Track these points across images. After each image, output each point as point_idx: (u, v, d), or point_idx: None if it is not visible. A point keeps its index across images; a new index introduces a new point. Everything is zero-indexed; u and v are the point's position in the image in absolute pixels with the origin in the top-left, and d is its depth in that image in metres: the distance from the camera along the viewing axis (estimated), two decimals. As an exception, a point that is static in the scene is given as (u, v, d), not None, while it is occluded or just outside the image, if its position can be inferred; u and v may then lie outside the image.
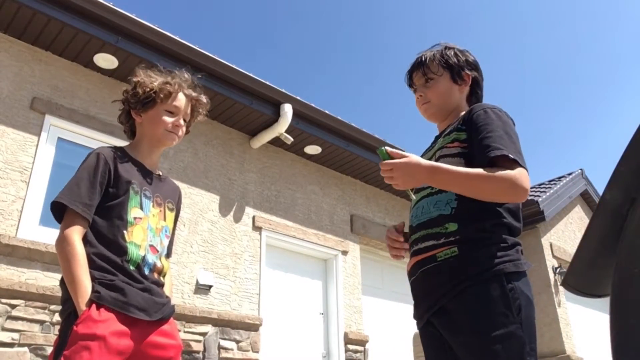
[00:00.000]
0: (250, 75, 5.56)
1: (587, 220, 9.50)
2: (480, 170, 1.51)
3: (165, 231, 1.84)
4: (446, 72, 1.76)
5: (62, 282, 1.62)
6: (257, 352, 5.33)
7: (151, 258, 1.73)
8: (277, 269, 6.13)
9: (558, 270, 8.56)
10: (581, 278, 1.62)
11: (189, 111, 1.94)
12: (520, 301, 1.43)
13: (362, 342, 6.37)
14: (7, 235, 4.07)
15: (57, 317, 4.03)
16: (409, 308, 7.13)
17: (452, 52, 1.78)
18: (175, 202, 1.95)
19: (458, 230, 1.52)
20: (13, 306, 3.94)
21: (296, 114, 5.94)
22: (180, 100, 1.89)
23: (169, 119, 1.86)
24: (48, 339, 3.99)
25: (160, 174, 1.94)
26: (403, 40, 20.76)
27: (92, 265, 1.60)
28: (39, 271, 4.16)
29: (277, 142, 6.24)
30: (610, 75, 24.70)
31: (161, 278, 1.79)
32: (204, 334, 5.00)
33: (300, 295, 6.24)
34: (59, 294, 1.65)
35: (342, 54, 22.45)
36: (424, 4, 20.37)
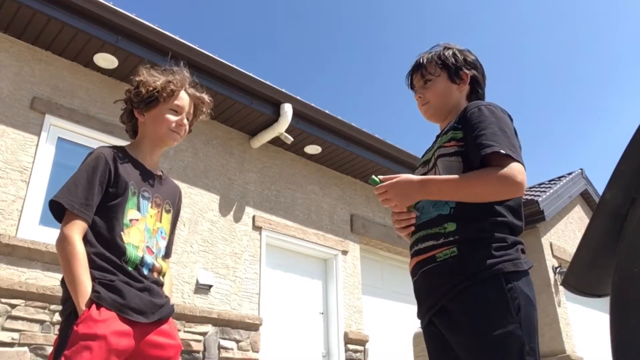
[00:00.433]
0: (250, 75, 5.56)
1: (587, 220, 9.50)
2: (469, 174, 1.52)
3: (161, 233, 1.83)
4: (444, 72, 1.78)
5: (62, 281, 1.62)
6: (257, 351, 5.33)
7: (149, 259, 1.73)
8: (277, 268, 6.13)
9: (558, 270, 8.56)
10: (581, 278, 1.62)
11: (191, 110, 1.94)
12: (520, 301, 1.43)
13: (362, 342, 6.38)
14: (7, 235, 4.07)
15: (57, 317, 4.03)
16: (409, 308, 7.16)
17: (450, 52, 1.79)
18: (174, 203, 1.94)
19: (457, 230, 1.52)
20: (13, 306, 3.94)
21: (296, 114, 5.94)
22: (183, 99, 1.89)
23: (172, 118, 1.86)
24: (48, 339, 3.99)
25: (161, 174, 1.93)
26: (403, 40, 20.76)
27: (92, 265, 1.60)
28: (39, 271, 4.16)
29: (277, 142, 6.24)
30: (610, 75, 24.70)
31: (161, 277, 1.79)
32: (204, 334, 5.00)
33: (300, 295, 6.24)
34: (59, 293, 1.65)
35: (342, 53, 22.45)
36: (424, 3, 20.37)
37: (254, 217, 5.93)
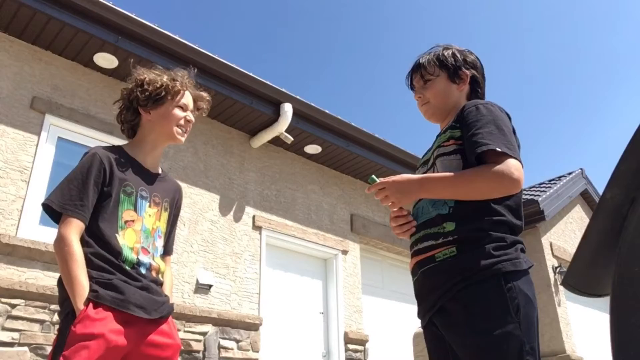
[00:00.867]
0: (251, 74, 5.56)
1: (587, 220, 9.50)
2: (466, 171, 1.52)
3: (158, 232, 1.83)
4: (443, 72, 1.78)
5: (59, 282, 1.62)
6: (257, 351, 5.33)
7: (145, 259, 1.73)
8: (277, 268, 6.13)
9: (558, 269, 8.56)
10: (581, 278, 1.62)
11: (193, 108, 1.96)
12: (519, 300, 1.43)
13: (362, 342, 6.38)
14: (7, 235, 4.07)
15: (57, 317, 4.02)
16: (409, 308, 7.16)
17: (450, 53, 1.80)
18: (174, 201, 1.94)
19: (456, 230, 1.52)
20: (13, 306, 3.94)
21: (296, 114, 5.94)
22: (188, 97, 1.92)
23: (181, 114, 1.88)
24: (48, 339, 3.99)
25: (161, 172, 1.93)
26: (403, 40, 20.75)
27: (89, 264, 1.60)
28: (39, 271, 4.16)
29: (277, 141, 6.24)
30: (610, 75, 24.69)
31: (160, 276, 1.79)
32: (204, 334, 5.00)
33: (300, 295, 6.24)
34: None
35: (343, 53, 22.44)
36: (424, 3, 20.36)
37: (254, 217, 5.93)
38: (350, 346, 6.23)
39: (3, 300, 3.90)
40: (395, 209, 1.67)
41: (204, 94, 1.99)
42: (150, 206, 1.80)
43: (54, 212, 1.68)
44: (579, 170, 10.03)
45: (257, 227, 5.92)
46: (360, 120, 23.93)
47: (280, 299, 5.99)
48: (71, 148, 4.77)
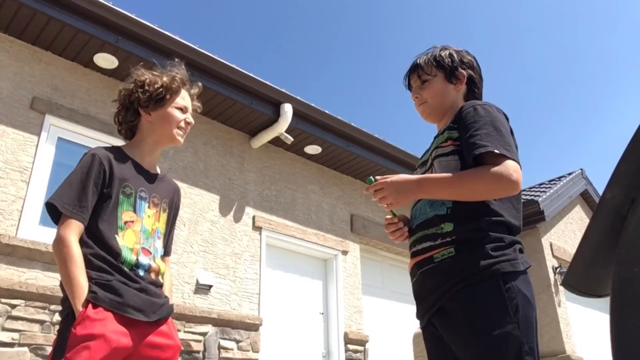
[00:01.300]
0: (251, 75, 5.56)
1: (587, 220, 9.50)
2: (464, 172, 1.52)
3: (157, 233, 1.83)
4: (440, 72, 1.79)
5: (62, 283, 1.62)
6: (257, 352, 5.33)
7: (144, 260, 1.72)
8: (277, 268, 6.13)
9: (558, 270, 8.56)
10: (581, 278, 1.62)
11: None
12: (518, 300, 1.43)
13: (362, 342, 6.37)
14: (7, 235, 4.07)
15: (57, 317, 4.02)
16: (409, 308, 7.15)
17: (447, 53, 1.80)
18: (172, 202, 1.94)
19: (454, 230, 1.52)
20: (13, 306, 3.94)
21: (296, 114, 5.94)
22: (187, 97, 1.92)
23: (181, 116, 1.88)
24: (48, 339, 3.99)
25: (159, 172, 1.93)
26: (403, 40, 20.76)
27: (89, 265, 1.60)
28: (39, 271, 4.16)
29: (277, 142, 6.24)
30: (610, 75, 24.70)
31: (159, 278, 1.78)
32: (204, 334, 5.00)
33: (300, 295, 6.24)
34: (59, 294, 1.65)
35: (343, 53, 22.45)
36: (424, 3, 20.37)
37: (254, 217, 5.93)
38: (350, 346, 6.23)
39: (3, 300, 3.90)
40: (388, 217, 1.71)
41: (198, 89, 2.00)
42: (149, 207, 1.80)
43: (55, 212, 1.67)
44: (579, 170, 10.03)
45: (257, 228, 5.92)
46: (360, 120, 23.95)
47: (280, 300, 5.99)
48: (71, 148, 4.77)
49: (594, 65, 24.82)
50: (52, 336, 3.99)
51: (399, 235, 1.71)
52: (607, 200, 1.38)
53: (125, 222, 1.71)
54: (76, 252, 1.58)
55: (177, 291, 4.95)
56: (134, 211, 1.75)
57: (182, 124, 1.88)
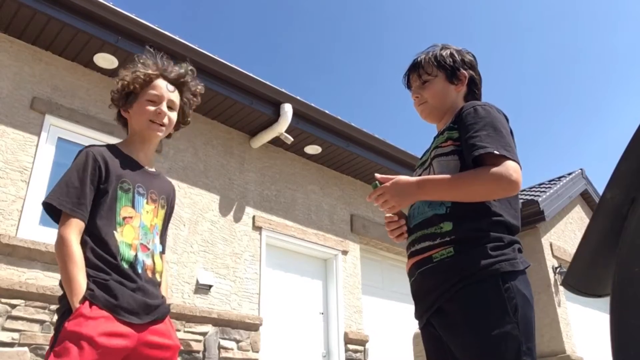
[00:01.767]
0: (251, 75, 5.56)
1: (587, 220, 9.50)
2: (464, 173, 1.52)
3: (156, 229, 1.82)
4: (441, 72, 1.78)
5: (61, 282, 1.62)
6: (257, 351, 5.33)
7: (143, 257, 1.71)
8: (277, 268, 6.13)
9: (558, 270, 8.56)
10: (581, 278, 1.62)
11: (175, 98, 1.89)
12: (517, 300, 1.43)
13: (362, 342, 6.37)
14: (7, 235, 4.07)
15: (57, 317, 4.02)
16: (409, 308, 7.14)
17: (448, 53, 1.79)
18: (169, 199, 1.93)
19: (453, 230, 1.52)
20: (13, 306, 3.94)
21: (296, 114, 5.94)
22: (160, 87, 1.85)
23: (151, 108, 1.82)
24: (48, 339, 3.99)
25: (154, 170, 1.92)
26: (403, 40, 20.76)
27: (87, 263, 1.59)
28: (39, 271, 4.16)
29: (277, 142, 6.24)
30: (609, 75, 24.70)
31: (157, 276, 1.77)
32: (204, 334, 5.00)
33: (300, 295, 6.24)
34: (59, 293, 1.65)
35: (343, 53, 22.45)
36: (424, 3, 20.37)
37: (254, 217, 5.93)
38: (350, 346, 6.23)
39: (3, 300, 3.90)
40: (388, 215, 1.71)
41: (189, 78, 1.92)
42: (147, 203, 1.79)
43: (54, 211, 1.67)
44: (579, 170, 10.03)
45: (257, 228, 5.92)
46: (360, 120, 23.95)
47: (280, 299, 5.99)
48: (71, 148, 4.77)
49: (594, 65, 24.83)
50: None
51: (398, 234, 1.70)
52: (607, 200, 1.38)
53: (124, 218, 1.71)
54: (76, 252, 1.58)
55: (177, 291, 4.95)
56: (133, 207, 1.74)
57: (152, 116, 1.82)
